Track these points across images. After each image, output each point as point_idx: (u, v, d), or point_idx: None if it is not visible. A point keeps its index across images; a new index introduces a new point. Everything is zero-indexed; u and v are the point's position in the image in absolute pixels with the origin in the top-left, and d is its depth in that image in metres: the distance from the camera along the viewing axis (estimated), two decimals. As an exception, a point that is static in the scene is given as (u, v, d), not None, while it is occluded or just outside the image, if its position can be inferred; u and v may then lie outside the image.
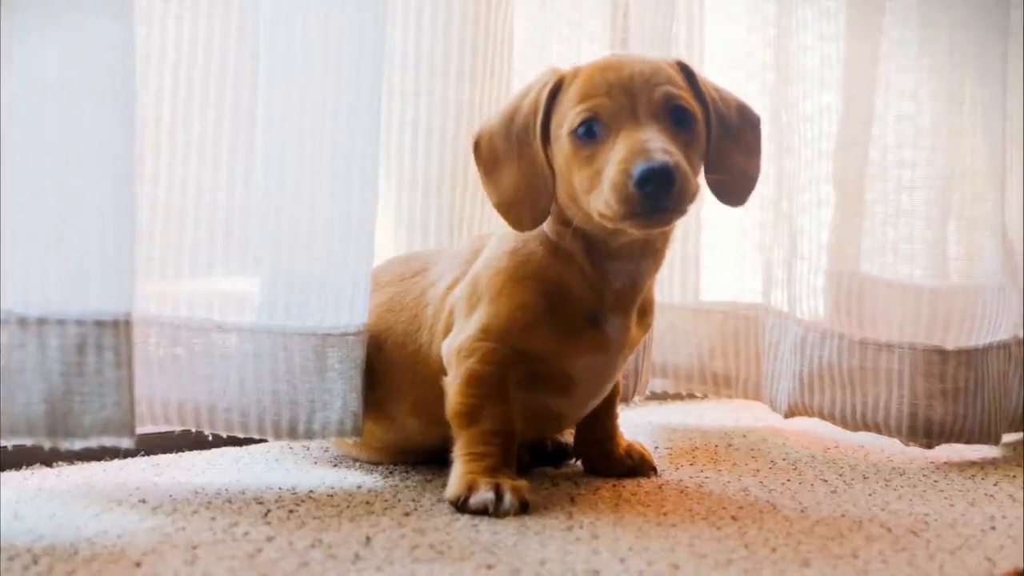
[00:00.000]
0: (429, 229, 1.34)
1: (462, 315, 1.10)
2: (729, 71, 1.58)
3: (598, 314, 1.08)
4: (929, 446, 1.38)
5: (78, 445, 0.96)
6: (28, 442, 0.96)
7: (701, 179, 1.07)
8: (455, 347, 1.08)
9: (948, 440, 1.37)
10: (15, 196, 0.94)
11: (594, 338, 1.08)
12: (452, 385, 1.08)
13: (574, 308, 1.08)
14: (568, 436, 1.27)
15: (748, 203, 1.53)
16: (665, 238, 1.10)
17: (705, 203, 1.59)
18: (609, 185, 0.98)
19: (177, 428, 1.13)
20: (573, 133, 1.02)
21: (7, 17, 0.92)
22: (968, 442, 1.38)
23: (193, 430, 1.13)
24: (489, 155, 1.09)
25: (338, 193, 1.11)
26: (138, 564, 0.85)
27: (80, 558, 0.86)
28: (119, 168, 0.97)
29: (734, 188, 1.10)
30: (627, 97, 1.02)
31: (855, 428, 1.40)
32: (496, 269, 1.10)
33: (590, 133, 1.02)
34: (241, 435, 1.13)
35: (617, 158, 0.98)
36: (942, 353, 1.37)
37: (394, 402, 1.15)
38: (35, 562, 0.84)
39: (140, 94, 1.12)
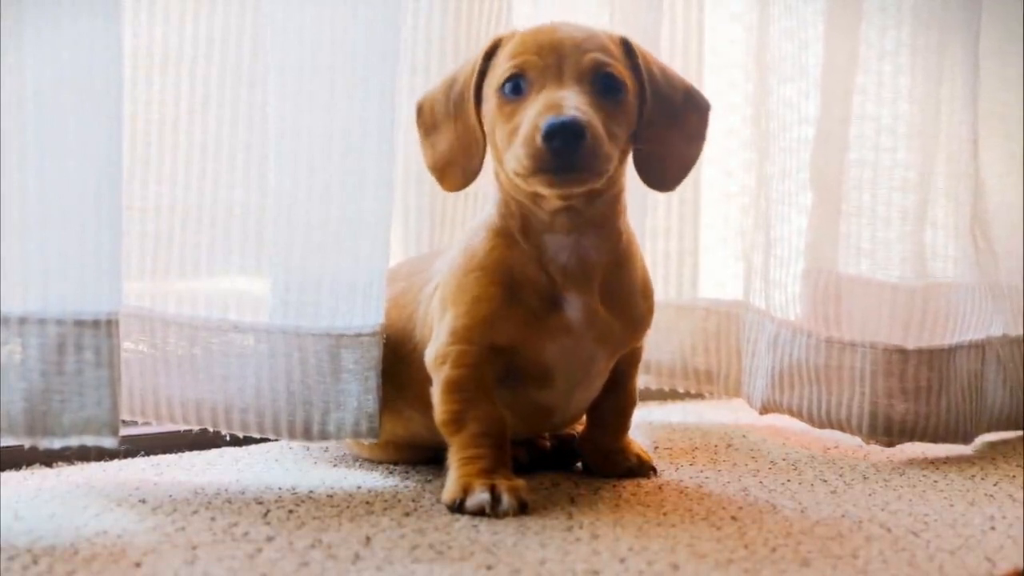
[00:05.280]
0: (410, 228, 1.34)
1: (437, 321, 1.11)
2: (725, 69, 1.58)
3: (555, 295, 1.08)
4: (890, 444, 1.37)
5: (57, 444, 0.96)
6: (8, 440, 0.96)
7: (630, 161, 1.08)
8: (432, 355, 1.09)
9: (910, 439, 1.36)
10: None
11: (556, 320, 1.07)
12: (435, 394, 1.08)
13: (528, 291, 1.07)
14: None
15: (738, 203, 1.56)
16: (605, 211, 1.08)
17: (704, 201, 1.60)
18: (521, 139, 0.99)
19: (195, 427, 1.14)
20: (500, 89, 1.04)
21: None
22: (933, 441, 1.37)
23: (195, 428, 1.14)
24: (430, 119, 1.11)
25: (351, 191, 1.11)
26: (138, 564, 0.85)
27: (80, 558, 0.86)
28: (104, 169, 0.97)
29: (663, 170, 1.10)
30: (555, 57, 1.03)
31: (821, 425, 1.40)
32: (452, 268, 1.11)
33: (516, 90, 1.03)
34: (257, 435, 1.14)
35: (531, 113, 1.00)
36: (903, 352, 1.36)
37: (398, 395, 1.15)
38: (35, 562, 0.84)
39: (156, 95, 1.13)
